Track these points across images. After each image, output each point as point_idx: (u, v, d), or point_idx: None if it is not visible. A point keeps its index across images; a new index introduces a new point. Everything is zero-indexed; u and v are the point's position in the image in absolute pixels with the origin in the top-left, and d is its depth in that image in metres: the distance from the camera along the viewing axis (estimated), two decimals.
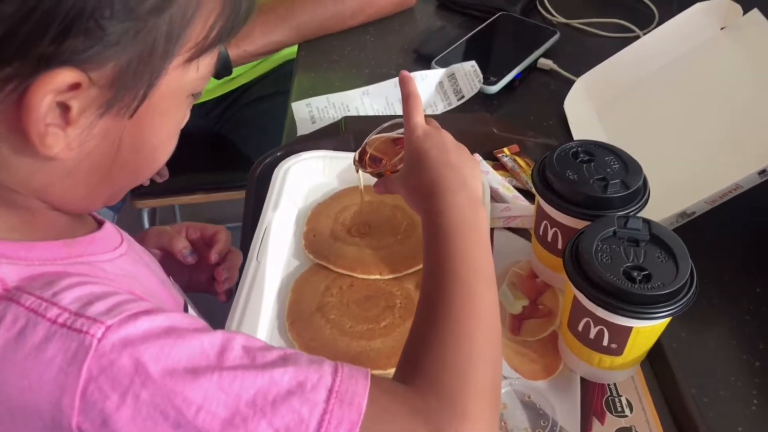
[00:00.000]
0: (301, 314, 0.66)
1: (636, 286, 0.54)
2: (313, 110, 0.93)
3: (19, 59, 0.36)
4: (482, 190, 0.65)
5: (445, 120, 0.88)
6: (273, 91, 1.34)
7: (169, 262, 0.67)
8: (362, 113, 0.93)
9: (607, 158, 0.65)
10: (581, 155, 0.66)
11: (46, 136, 0.38)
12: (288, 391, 0.40)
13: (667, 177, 0.71)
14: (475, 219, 0.56)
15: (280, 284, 0.70)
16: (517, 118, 0.93)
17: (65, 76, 0.37)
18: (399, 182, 0.63)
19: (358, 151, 0.71)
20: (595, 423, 0.59)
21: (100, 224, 0.52)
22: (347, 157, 0.81)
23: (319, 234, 0.73)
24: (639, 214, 0.61)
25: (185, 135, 0.49)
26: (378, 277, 0.69)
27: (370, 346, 0.63)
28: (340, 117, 0.92)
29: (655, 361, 0.63)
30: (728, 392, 0.63)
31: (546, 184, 0.64)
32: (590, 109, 0.92)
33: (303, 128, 0.91)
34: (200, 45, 0.42)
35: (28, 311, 0.38)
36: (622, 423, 0.59)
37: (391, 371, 0.61)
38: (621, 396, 0.61)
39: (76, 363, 0.37)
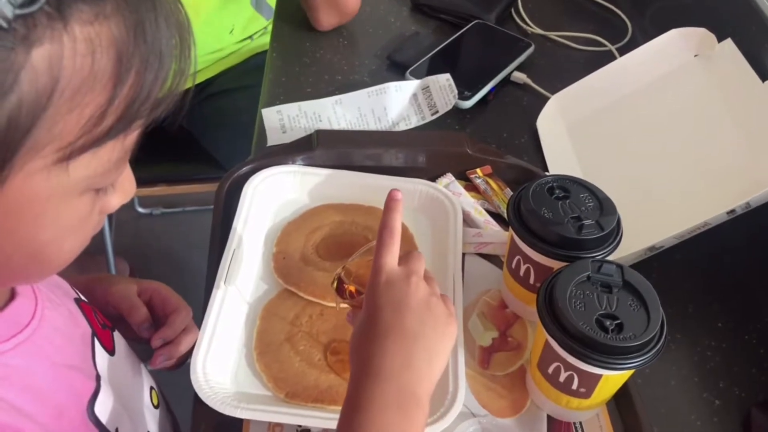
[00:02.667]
0: (269, 344, 0.65)
1: (608, 336, 0.54)
2: (284, 118, 0.91)
3: None
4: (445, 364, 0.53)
5: (418, 138, 0.88)
6: (237, 86, 1.30)
7: (122, 320, 0.65)
8: (334, 123, 0.91)
9: (582, 195, 0.65)
10: (557, 191, 0.65)
11: None
12: None
13: (636, 208, 0.71)
14: (400, 426, 0.46)
15: (248, 309, 0.68)
16: (489, 134, 0.93)
17: None
18: (352, 333, 0.54)
19: (335, 277, 0.63)
20: None
21: (12, 297, 0.48)
22: (318, 174, 0.80)
23: (289, 257, 0.72)
24: (610, 255, 0.62)
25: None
26: (348, 305, 0.68)
27: (339, 380, 0.62)
28: (311, 126, 0.91)
29: (620, 400, 0.64)
30: (689, 431, 0.65)
31: (521, 221, 0.64)
32: (562, 129, 0.92)
33: (273, 137, 0.89)
34: (77, 144, 0.35)
35: None
36: None
37: None
38: None
39: None
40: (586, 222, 0.62)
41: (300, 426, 0.60)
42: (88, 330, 0.57)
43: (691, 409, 0.66)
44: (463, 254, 0.74)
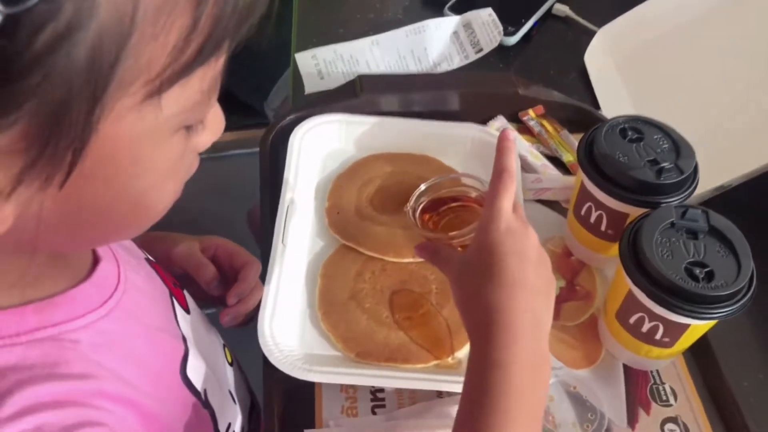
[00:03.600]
0: (333, 303, 0.62)
1: (699, 285, 0.52)
2: (319, 63, 0.86)
3: None
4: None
5: (466, 79, 0.83)
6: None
7: (189, 280, 0.62)
8: (373, 67, 0.87)
9: (656, 136, 0.62)
10: (629, 133, 0.62)
11: None
12: None
13: (700, 146, 0.68)
14: (533, 387, 0.45)
15: (307, 268, 0.66)
16: (535, 72, 0.88)
17: None
18: (454, 272, 0.52)
19: (413, 199, 0.63)
20: (642, 414, 0.59)
21: (96, 261, 0.45)
22: (364, 122, 0.76)
23: (343, 211, 0.69)
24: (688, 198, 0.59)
25: None
26: (411, 260, 0.65)
27: (409, 337, 0.60)
28: (349, 71, 0.86)
29: (696, 346, 0.62)
30: (766, 375, 0.63)
31: (594, 165, 0.61)
32: (611, 64, 0.88)
33: (311, 84, 0.85)
34: (166, 74, 0.32)
35: None
36: (668, 413, 0.59)
37: (434, 363, 0.59)
38: (665, 384, 0.61)
39: None
40: (665, 165, 0.59)
41: (373, 386, 0.58)
42: (165, 289, 0.54)
43: (766, 350, 0.65)
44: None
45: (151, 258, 0.57)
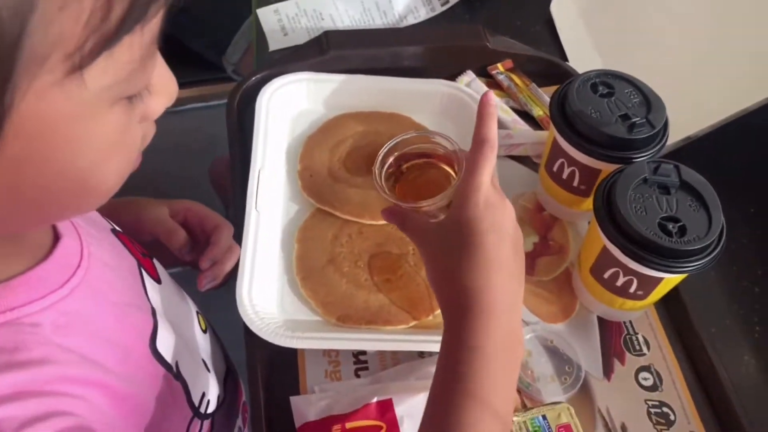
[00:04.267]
0: (311, 268, 0.62)
1: (672, 240, 0.53)
2: (282, 18, 0.84)
3: None
4: None
5: (433, 33, 0.82)
6: None
7: (159, 246, 0.60)
8: (338, 21, 0.85)
9: (626, 90, 0.62)
10: (600, 87, 0.62)
11: None
12: None
13: (667, 99, 0.68)
14: (507, 369, 0.46)
15: (282, 234, 0.65)
16: (501, 24, 0.87)
17: None
18: (427, 245, 0.51)
19: (378, 159, 0.61)
20: (617, 364, 0.61)
21: (57, 238, 0.44)
22: (332, 80, 0.74)
23: (316, 173, 0.68)
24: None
25: None
26: (386, 222, 0.65)
27: (389, 299, 0.61)
28: (313, 26, 0.84)
29: (667, 297, 0.64)
30: (732, 320, 0.66)
31: (566, 122, 0.61)
32: (577, 15, 0.87)
33: (274, 41, 0.82)
34: (86, 47, 0.30)
35: None
36: (641, 362, 0.61)
37: (412, 324, 0.60)
38: (638, 334, 0.63)
39: None
40: (637, 120, 0.59)
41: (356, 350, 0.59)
42: (133, 261, 0.52)
43: (732, 298, 0.67)
44: None
45: (117, 228, 0.55)
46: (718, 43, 0.76)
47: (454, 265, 0.47)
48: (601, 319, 0.63)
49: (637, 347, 0.62)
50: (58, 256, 0.43)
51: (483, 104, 0.54)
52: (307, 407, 0.54)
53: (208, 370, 0.60)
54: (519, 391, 0.58)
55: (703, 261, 0.54)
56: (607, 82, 0.63)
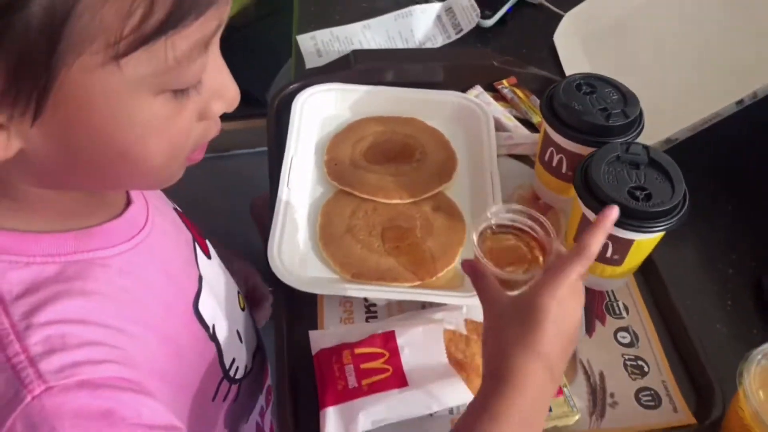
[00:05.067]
0: (332, 236, 0.72)
1: (639, 203, 0.62)
2: (318, 43, 0.97)
3: None
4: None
5: (447, 54, 0.94)
6: (257, 18, 1.37)
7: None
8: (365, 46, 0.97)
9: (606, 89, 0.72)
10: (584, 87, 0.72)
11: None
12: None
13: (651, 106, 0.78)
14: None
15: (308, 210, 0.75)
16: (511, 51, 0.99)
17: None
18: (494, 311, 0.54)
19: (481, 228, 0.63)
20: (598, 325, 0.68)
21: (129, 203, 0.52)
22: (357, 90, 0.86)
23: (340, 163, 0.79)
24: (636, 140, 0.69)
25: None
26: (398, 201, 0.75)
27: (396, 263, 0.70)
28: (344, 50, 0.97)
29: (646, 270, 0.72)
30: (707, 296, 0.73)
31: (554, 114, 0.71)
32: (577, 43, 0.99)
33: (310, 61, 0.95)
34: (126, 40, 0.35)
35: None
36: (620, 324, 0.69)
37: (417, 283, 0.69)
38: (618, 301, 0.70)
39: (6, 409, 0.39)
40: (613, 111, 0.69)
41: (366, 300, 0.68)
42: (189, 236, 0.62)
43: (706, 277, 0.75)
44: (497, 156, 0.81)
45: (178, 209, 0.66)
46: (697, 56, 0.86)
47: (509, 340, 0.50)
48: (587, 289, 0.71)
49: (617, 312, 0.70)
50: (128, 217, 0.52)
51: (604, 215, 0.56)
52: (322, 338, 0.63)
53: (241, 341, 0.68)
54: None
55: (667, 223, 0.62)
56: (590, 83, 0.73)
